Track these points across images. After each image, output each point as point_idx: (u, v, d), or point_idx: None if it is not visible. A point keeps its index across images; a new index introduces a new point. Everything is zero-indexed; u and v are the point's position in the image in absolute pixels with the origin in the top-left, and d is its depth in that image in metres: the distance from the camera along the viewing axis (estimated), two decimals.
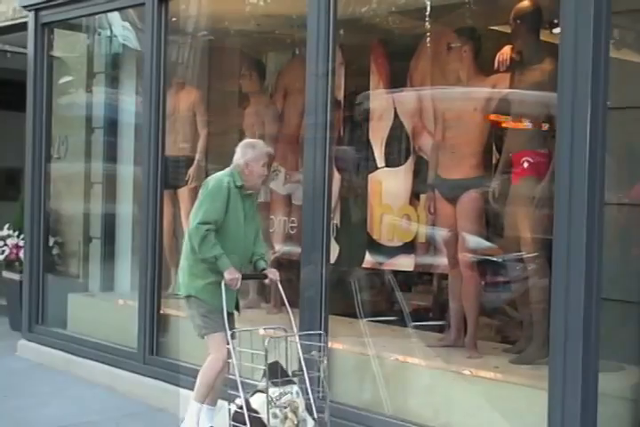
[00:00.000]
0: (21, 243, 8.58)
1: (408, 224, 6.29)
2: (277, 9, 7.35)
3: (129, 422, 5.93)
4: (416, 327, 6.01)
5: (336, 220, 6.60)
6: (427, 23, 6.29)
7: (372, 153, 6.55)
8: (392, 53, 6.72)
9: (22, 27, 8.36)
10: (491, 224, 5.78)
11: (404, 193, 6.35)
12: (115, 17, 8.38)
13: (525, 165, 5.12)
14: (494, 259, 5.66)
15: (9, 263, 8.86)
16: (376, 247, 6.46)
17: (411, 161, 6.36)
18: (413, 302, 7.04)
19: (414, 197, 6.31)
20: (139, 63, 7.66)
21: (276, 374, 4.52)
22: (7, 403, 6.33)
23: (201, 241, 4.83)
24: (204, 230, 4.83)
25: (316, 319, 5.28)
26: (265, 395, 4.44)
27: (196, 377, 6.04)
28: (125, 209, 8.10)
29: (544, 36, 5.44)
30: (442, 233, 5.79)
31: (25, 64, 8.26)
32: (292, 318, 4.93)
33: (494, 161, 5.95)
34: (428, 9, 6.19)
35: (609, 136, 4.03)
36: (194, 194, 7.55)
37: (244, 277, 4.98)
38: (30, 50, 8.15)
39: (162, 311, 6.70)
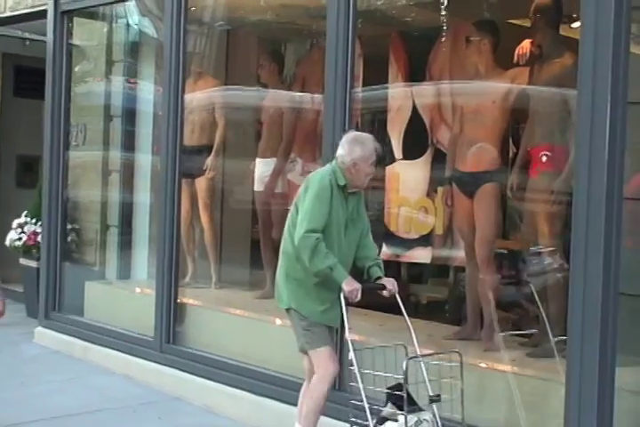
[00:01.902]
0: (39, 229, 8.63)
1: (425, 217, 6.30)
2: None
3: (145, 411, 5.98)
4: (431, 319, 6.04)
5: None
6: (446, 16, 6.28)
7: (390, 145, 6.55)
8: (411, 46, 6.72)
9: (42, 14, 8.38)
10: (508, 218, 5.80)
11: (421, 185, 6.36)
12: (134, 6, 8.40)
13: (544, 159, 5.12)
14: (511, 252, 5.68)
15: (27, 250, 8.91)
16: (393, 239, 6.48)
17: (428, 154, 6.37)
18: (430, 294, 7.08)
19: (432, 189, 6.32)
20: (157, 52, 7.69)
21: (406, 399, 4.01)
22: (24, 390, 6.38)
23: (312, 253, 4.25)
24: (313, 240, 4.25)
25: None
26: (396, 424, 4.02)
27: (212, 366, 6.11)
28: (143, 198, 8.14)
29: (563, 30, 5.44)
30: (459, 226, 5.81)
31: (44, 52, 8.29)
32: (414, 336, 4.35)
33: (511, 155, 5.97)
34: (448, 1, 6.18)
35: (628, 131, 4.03)
36: (211, 183, 7.63)
37: (364, 288, 4.36)
38: (49, 38, 8.18)
39: (179, 300, 6.73)
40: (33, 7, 8.90)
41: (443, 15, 6.36)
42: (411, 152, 6.48)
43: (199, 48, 8.20)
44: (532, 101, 5.35)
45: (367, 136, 4.56)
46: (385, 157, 6.58)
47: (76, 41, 8.47)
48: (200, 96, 7.59)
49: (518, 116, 5.75)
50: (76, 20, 8.36)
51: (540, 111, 5.27)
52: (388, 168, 6.59)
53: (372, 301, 7.04)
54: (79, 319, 7.79)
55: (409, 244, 6.37)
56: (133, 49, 8.61)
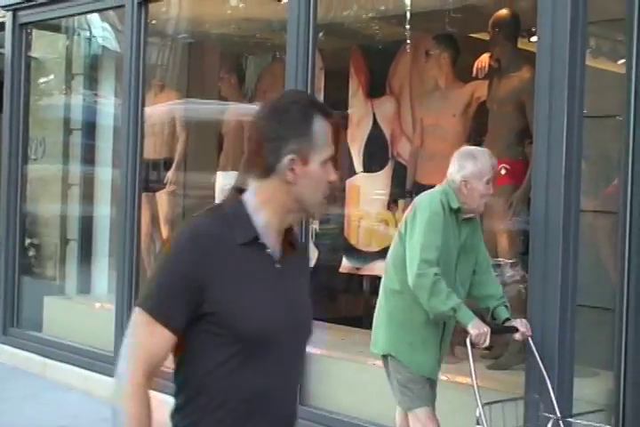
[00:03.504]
0: None
1: (385, 230, 6.31)
2: (257, 13, 7.36)
3: None
4: None
5: (315, 224, 6.61)
6: (406, 30, 6.32)
7: (351, 158, 6.58)
8: (371, 59, 6.75)
9: (0, 27, 8.32)
10: None
11: (381, 198, 6.38)
12: (94, 18, 8.36)
13: (503, 172, 5.16)
14: None
15: None
16: (353, 252, 6.48)
17: (389, 167, 6.39)
18: None
19: (392, 202, 6.34)
20: (118, 65, 7.65)
21: None
22: None
23: (430, 293, 3.60)
24: (431, 277, 3.61)
25: None
26: None
27: (172, 381, 6.04)
28: (103, 211, 8.07)
29: (522, 44, 5.49)
30: None
31: (2, 64, 8.21)
32: (551, 388, 3.70)
33: None
34: (408, 16, 6.22)
35: (584, 144, 4.07)
36: (172, 197, 7.59)
37: (492, 332, 3.68)
38: (8, 50, 8.10)
39: None
40: None
41: (403, 29, 6.39)
42: (371, 165, 6.50)
43: (161, 61, 8.18)
44: (490, 115, 5.39)
45: (481, 150, 4.01)
46: (346, 170, 6.62)
47: (35, 53, 8.40)
48: (161, 109, 7.57)
49: (478, 129, 5.79)
50: (35, 32, 8.31)
51: (499, 124, 5.31)
52: (349, 181, 6.61)
53: (334, 314, 7.05)
54: (38, 335, 7.68)
55: (369, 257, 6.37)
56: (94, 62, 8.57)
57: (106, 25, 8.34)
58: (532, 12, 4.22)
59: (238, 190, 2.14)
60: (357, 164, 6.56)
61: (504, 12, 5.41)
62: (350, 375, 5.34)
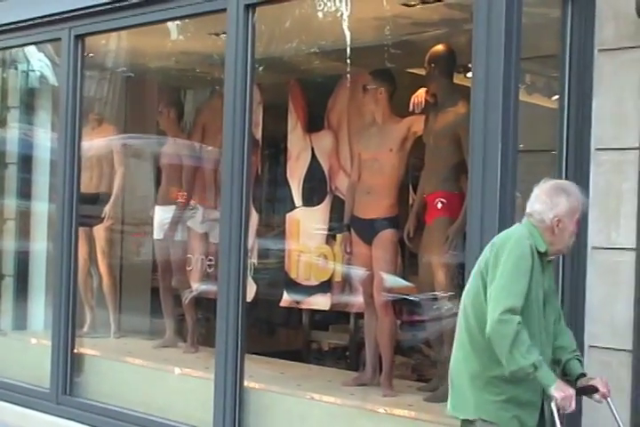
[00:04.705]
0: None
1: (324, 263, 6.33)
2: (196, 46, 7.38)
3: None
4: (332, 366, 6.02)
5: (254, 258, 6.61)
6: (345, 64, 6.38)
7: (290, 192, 6.60)
8: (310, 93, 6.81)
9: None
10: (406, 263, 5.86)
11: (320, 232, 6.41)
12: (31, 51, 8.29)
13: (439, 205, 5.21)
14: (410, 298, 5.73)
15: None
16: (293, 286, 6.48)
17: (328, 200, 6.43)
18: (331, 340, 7.08)
19: (331, 236, 6.37)
20: (55, 98, 7.59)
21: None
22: None
23: (512, 343, 3.16)
24: (514, 326, 3.18)
25: (232, 358, 5.25)
26: None
27: (110, 417, 5.96)
28: (39, 246, 7.96)
29: (459, 79, 5.58)
30: (358, 272, 5.84)
31: None
32: None
33: (411, 201, 6.06)
34: (348, 50, 6.29)
35: (519, 178, 4.13)
36: (110, 232, 7.52)
37: (577, 393, 3.31)
38: None
39: (76, 350, 6.57)
40: None
41: (342, 64, 6.45)
42: (311, 199, 6.53)
43: (99, 94, 8.14)
44: (427, 149, 5.46)
45: (570, 184, 3.58)
46: (285, 204, 6.64)
47: None
48: (99, 143, 7.51)
49: (415, 164, 5.85)
50: None
51: (436, 158, 5.37)
52: (289, 215, 6.63)
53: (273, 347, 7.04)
54: None
55: (309, 290, 6.38)
56: (30, 94, 8.48)
57: (43, 57, 8.28)
58: (468, 47, 4.29)
59: None
60: (297, 198, 6.59)
61: (440, 47, 5.49)
62: (289, 409, 5.31)
